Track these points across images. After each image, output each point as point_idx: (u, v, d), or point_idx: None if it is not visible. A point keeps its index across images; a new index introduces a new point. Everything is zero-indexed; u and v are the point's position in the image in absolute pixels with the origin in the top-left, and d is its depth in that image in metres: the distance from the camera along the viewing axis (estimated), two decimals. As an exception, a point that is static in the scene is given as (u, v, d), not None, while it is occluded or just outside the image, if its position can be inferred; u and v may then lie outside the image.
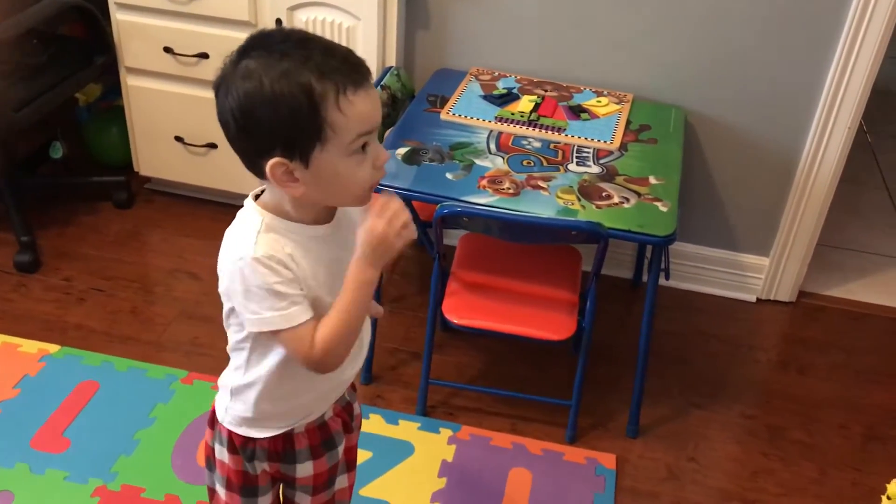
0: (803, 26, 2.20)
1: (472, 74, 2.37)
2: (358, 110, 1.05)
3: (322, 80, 1.03)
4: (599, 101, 2.27)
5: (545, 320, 1.94)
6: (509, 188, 1.90)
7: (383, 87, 2.23)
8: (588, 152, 2.07)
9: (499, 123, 2.14)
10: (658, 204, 1.89)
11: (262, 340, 1.18)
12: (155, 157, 2.68)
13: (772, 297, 2.60)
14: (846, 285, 2.69)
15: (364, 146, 1.07)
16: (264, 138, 1.05)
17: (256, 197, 1.16)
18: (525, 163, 2.01)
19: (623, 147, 2.10)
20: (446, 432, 2.05)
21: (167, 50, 2.44)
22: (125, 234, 2.67)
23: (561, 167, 2.00)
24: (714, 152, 2.42)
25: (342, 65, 1.05)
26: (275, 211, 1.13)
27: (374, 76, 2.31)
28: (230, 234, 1.14)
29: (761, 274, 2.57)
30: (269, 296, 1.09)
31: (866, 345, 2.48)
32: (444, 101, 2.23)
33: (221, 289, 1.16)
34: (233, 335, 1.22)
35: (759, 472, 2.05)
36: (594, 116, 2.21)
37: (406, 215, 1.10)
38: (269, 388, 1.22)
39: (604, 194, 1.91)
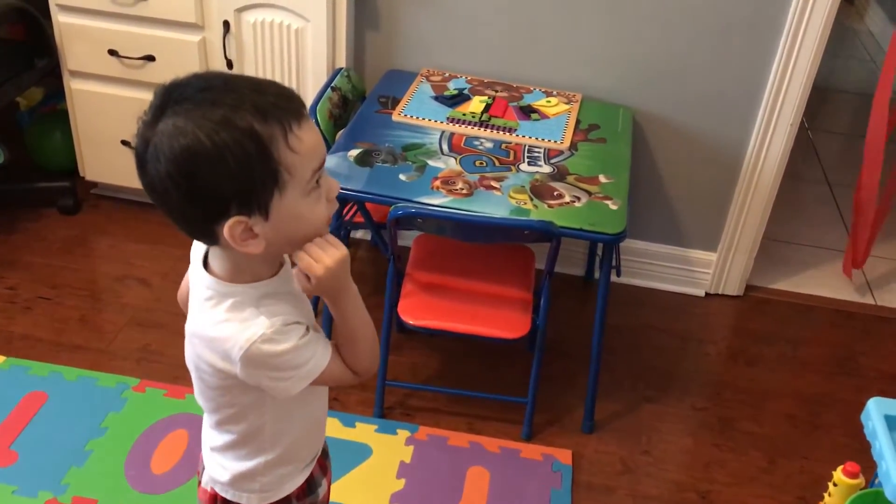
0: (746, 27, 2.25)
1: (422, 75, 2.38)
2: (308, 145, 0.96)
3: (265, 121, 0.92)
4: (549, 102, 2.30)
5: (500, 319, 1.95)
6: (462, 189, 1.91)
7: (333, 89, 2.22)
8: (539, 152, 2.09)
9: (450, 124, 2.15)
10: (608, 202, 1.92)
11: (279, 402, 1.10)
12: (101, 162, 2.63)
13: (720, 292, 2.66)
14: (791, 278, 2.76)
15: (318, 180, 0.99)
16: (215, 199, 0.94)
17: (205, 264, 1.06)
18: (477, 163, 2.02)
19: (573, 146, 2.12)
20: (404, 433, 2.06)
21: (112, 53, 2.40)
22: (71, 240, 2.61)
23: (513, 167, 2.02)
24: (661, 151, 2.46)
25: (278, 100, 0.95)
26: (238, 279, 1.03)
27: (325, 77, 2.30)
28: (220, 325, 1.02)
29: (709, 269, 2.62)
30: (297, 355, 1.03)
31: (811, 336, 2.55)
32: (395, 103, 2.23)
33: (222, 372, 1.05)
34: (228, 411, 1.12)
35: (711, 463, 2.09)
36: (544, 116, 2.23)
37: (331, 244, 1.03)
38: (290, 438, 1.16)
39: (555, 193, 1.94)
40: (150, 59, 2.39)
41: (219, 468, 1.19)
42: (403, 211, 1.80)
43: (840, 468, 1.50)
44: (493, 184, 1.94)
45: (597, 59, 2.36)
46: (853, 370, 2.43)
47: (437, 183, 1.92)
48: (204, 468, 1.24)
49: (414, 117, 2.16)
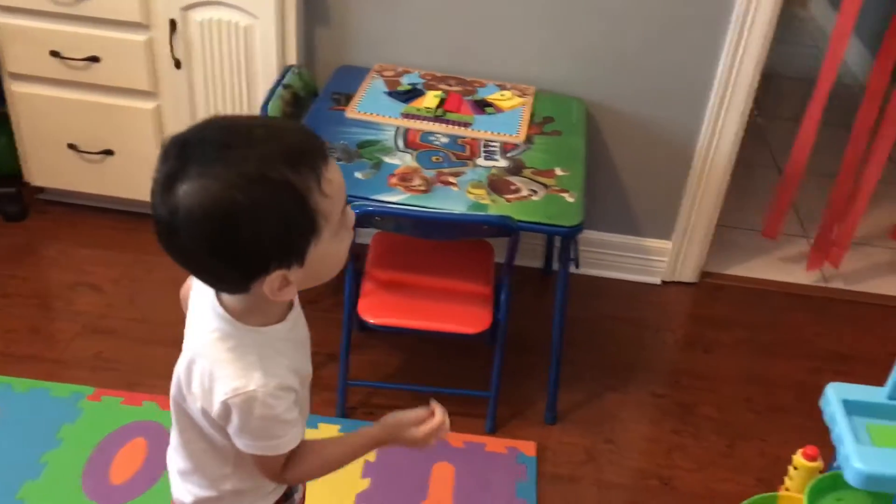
0: (695, 17, 2.27)
1: (375, 71, 2.36)
2: (337, 186, 0.93)
3: (298, 170, 0.88)
4: (503, 95, 2.29)
5: (460, 315, 1.95)
6: (420, 185, 1.90)
7: (285, 87, 2.19)
8: (495, 146, 2.09)
9: (406, 120, 2.14)
10: (565, 195, 1.93)
11: None
12: (47, 166, 2.56)
13: (676, 279, 2.69)
14: (745, 263, 2.81)
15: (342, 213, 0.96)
16: (255, 257, 0.90)
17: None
18: (434, 159, 2.01)
19: (529, 140, 2.12)
20: (367, 432, 2.04)
21: (54, 54, 2.33)
22: (19, 248, 2.54)
23: (469, 162, 2.01)
24: (616, 142, 2.48)
25: (304, 144, 0.91)
26: (248, 320, 0.99)
27: (275, 75, 2.27)
28: (217, 364, 0.98)
29: (665, 257, 2.65)
30: (272, 426, 1.00)
31: (766, 320, 2.60)
32: (348, 99, 2.21)
33: (199, 406, 1.01)
34: (197, 441, 1.08)
35: (672, 449, 2.12)
36: (499, 110, 2.23)
37: (445, 430, 1.10)
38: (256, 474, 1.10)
39: (512, 188, 1.94)
40: (95, 59, 2.33)
41: (183, 492, 1.16)
42: (361, 210, 1.78)
43: (800, 452, 1.53)
44: (451, 179, 1.94)
45: (549, 51, 2.36)
46: (807, 352, 2.48)
47: (394, 180, 1.91)
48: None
49: (368, 114, 2.15)
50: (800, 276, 2.79)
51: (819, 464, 1.50)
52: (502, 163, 2.02)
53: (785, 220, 2.80)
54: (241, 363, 0.97)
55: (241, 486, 1.12)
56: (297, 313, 1.07)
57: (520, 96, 2.30)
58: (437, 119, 2.15)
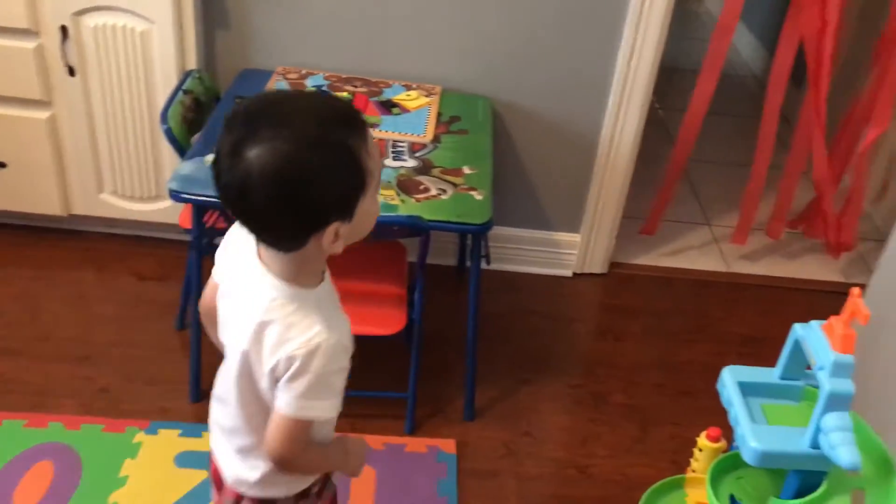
0: (592, 12, 2.32)
1: (278, 74, 2.33)
2: (376, 148, 1.05)
3: (351, 132, 1.00)
4: (409, 95, 2.30)
5: (375, 317, 1.95)
6: (327, 188, 1.89)
7: (185, 92, 2.14)
8: (403, 146, 2.09)
9: (311, 123, 2.12)
10: (473, 193, 1.95)
11: None
12: (-66, 182, 2.44)
13: (586, 271, 2.75)
14: (651, 253, 2.89)
15: None
16: (319, 211, 1.01)
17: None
18: (341, 161, 2.00)
19: (436, 139, 2.13)
20: (285, 440, 2.02)
21: (-64, 63, 2.22)
22: None
23: (377, 163, 2.00)
24: (522, 138, 2.51)
25: (349, 109, 1.05)
26: (300, 281, 1.09)
27: (174, 81, 2.22)
28: (288, 320, 1.06)
29: (575, 249, 2.71)
30: (320, 385, 1.08)
31: (673, 307, 2.68)
32: (252, 104, 2.17)
33: (268, 369, 1.08)
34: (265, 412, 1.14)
35: (588, 438, 2.16)
36: (405, 110, 2.23)
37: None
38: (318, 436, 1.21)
39: (421, 187, 1.94)
40: (-19, 68, 2.23)
41: (245, 469, 1.22)
42: (268, 215, 1.76)
43: (703, 433, 1.58)
44: (358, 181, 1.93)
45: (453, 50, 2.38)
46: (713, 336, 2.57)
47: (301, 184, 1.89)
48: (222, 473, 1.26)
49: (272, 118, 2.11)
50: (705, 262, 2.89)
51: (722, 444, 1.56)
52: (411, 163, 2.03)
53: (664, 215, 2.88)
54: (308, 320, 1.06)
55: None
56: (328, 277, 1.16)
57: (426, 96, 2.31)
58: (343, 121, 2.13)
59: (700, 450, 1.59)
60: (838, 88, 2.80)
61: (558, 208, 2.65)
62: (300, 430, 1.11)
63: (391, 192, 1.90)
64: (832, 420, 1.19)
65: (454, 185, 1.96)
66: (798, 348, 1.30)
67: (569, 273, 2.74)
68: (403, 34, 2.36)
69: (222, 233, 2.36)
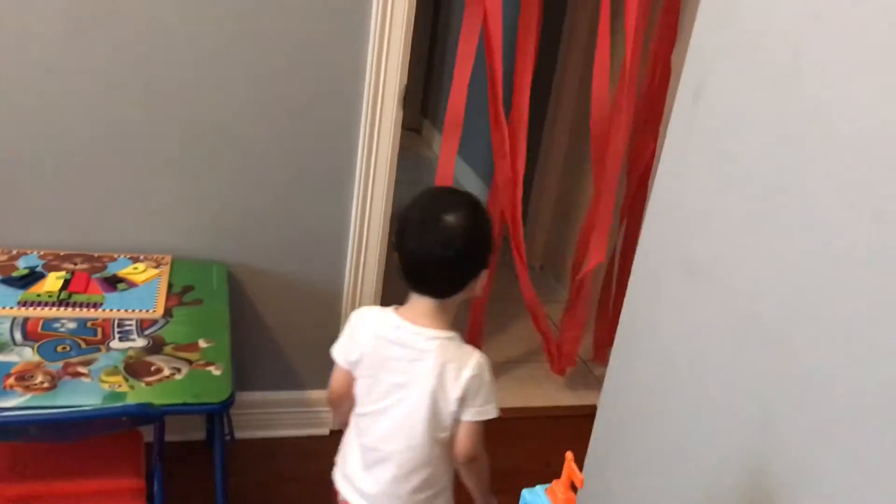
0: (321, 173, 2.37)
1: (-16, 256, 2.13)
2: None
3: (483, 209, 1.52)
4: (136, 268, 2.19)
5: (109, 518, 1.76)
6: (43, 382, 1.71)
7: None
8: (131, 325, 1.96)
9: (23, 308, 1.94)
10: (211, 368, 1.85)
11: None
12: None
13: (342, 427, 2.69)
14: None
15: None
16: (482, 260, 1.49)
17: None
18: (60, 349, 1.83)
19: (168, 313, 2.03)
20: None
21: None
22: None
23: (102, 347, 1.86)
24: (262, 301, 2.47)
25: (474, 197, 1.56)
26: (446, 325, 1.51)
27: None
28: (458, 353, 1.49)
29: (328, 406, 2.65)
30: (492, 389, 1.50)
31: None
32: (-49, 293, 1.95)
33: (456, 398, 1.48)
34: (431, 449, 1.53)
35: None
36: (132, 285, 2.11)
37: None
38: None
39: (153, 368, 1.82)
40: None
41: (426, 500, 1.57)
42: (-31, 424, 1.55)
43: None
44: (81, 369, 1.77)
45: (180, 218, 2.31)
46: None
47: (11, 381, 1.70)
48: None
49: (-24, 307, 1.91)
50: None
51: None
52: (140, 342, 1.90)
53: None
54: (467, 348, 1.50)
55: (449, 472, 1.61)
56: None
57: (154, 267, 2.21)
58: (61, 303, 1.97)
59: None
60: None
61: (308, 365, 2.60)
62: (482, 431, 1.51)
63: (118, 378, 1.76)
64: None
65: (189, 361, 1.86)
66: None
67: (326, 431, 2.68)
68: (128, 204, 2.26)
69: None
